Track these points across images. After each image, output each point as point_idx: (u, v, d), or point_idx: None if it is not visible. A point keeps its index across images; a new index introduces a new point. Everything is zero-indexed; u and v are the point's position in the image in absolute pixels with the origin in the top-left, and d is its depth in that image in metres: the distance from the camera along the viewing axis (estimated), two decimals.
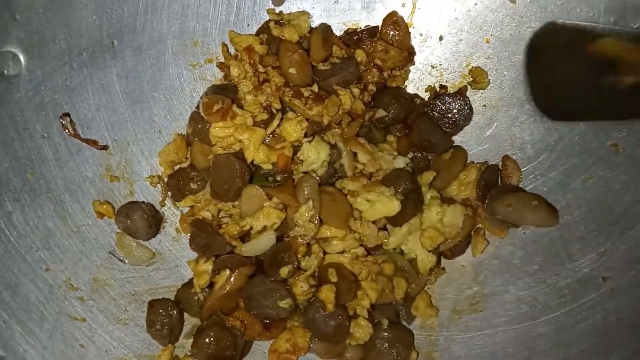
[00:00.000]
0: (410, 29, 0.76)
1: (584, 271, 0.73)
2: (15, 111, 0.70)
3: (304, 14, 0.74)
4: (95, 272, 0.73)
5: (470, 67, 0.77)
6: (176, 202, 0.73)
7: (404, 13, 0.76)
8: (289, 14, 0.75)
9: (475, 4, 0.74)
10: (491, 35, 0.75)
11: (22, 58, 0.69)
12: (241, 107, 0.71)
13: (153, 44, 0.73)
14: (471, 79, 0.77)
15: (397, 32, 0.76)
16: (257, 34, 0.75)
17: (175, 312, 0.69)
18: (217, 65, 0.75)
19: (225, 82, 0.75)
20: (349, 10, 0.75)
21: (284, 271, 0.67)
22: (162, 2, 0.72)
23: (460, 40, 0.76)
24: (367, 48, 0.75)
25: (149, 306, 0.70)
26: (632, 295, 0.71)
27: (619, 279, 0.72)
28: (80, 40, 0.71)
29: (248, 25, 0.75)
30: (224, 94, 0.71)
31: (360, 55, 0.74)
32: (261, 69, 0.73)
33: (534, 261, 0.75)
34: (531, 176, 0.76)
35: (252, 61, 0.72)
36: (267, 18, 0.74)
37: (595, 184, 0.73)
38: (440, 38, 0.76)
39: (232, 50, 0.75)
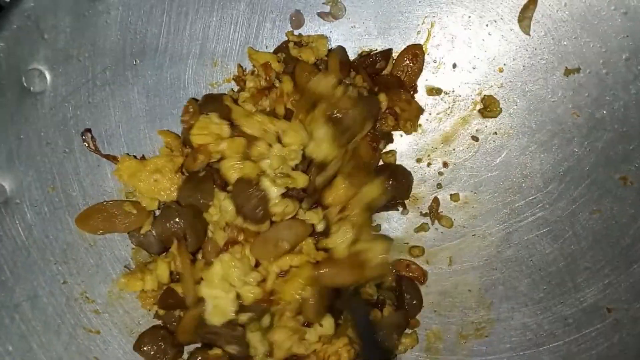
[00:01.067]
0: (425, 56, 0.77)
1: (589, 301, 0.74)
2: (39, 126, 0.71)
3: (323, 37, 0.76)
4: (111, 286, 0.74)
5: (482, 95, 0.78)
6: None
7: (418, 40, 0.77)
8: (308, 36, 0.76)
9: (490, 34, 0.76)
10: (504, 65, 0.77)
11: (47, 75, 0.70)
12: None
13: (174, 63, 0.75)
14: (482, 106, 0.78)
15: (412, 65, 0.78)
16: (275, 52, 0.77)
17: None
18: (233, 79, 0.77)
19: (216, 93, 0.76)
20: (365, 35, 0.77)
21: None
22: (184, 23, 0.74)
23: (474, 68, 0.78)
24: (391, 94, 0.76)
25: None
26: (636, 327, 0.72)
27: (624, 310, 0.72)
28: (103, 59, 0.73)
29: (267, 47, 0.77)
30: (213, 102, 0.73)
31: (382, 98, 0.76)
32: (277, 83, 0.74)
33: (540, 289, 0.76)
34: (539, 205, 0.77)
35: (268, 77, 0.74)
36: (286, 39, 0.76)
37: (602, 216, 0.74)
38: (454, 65, 0.78)
39: (249, 68, 0.77)
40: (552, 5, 0.73)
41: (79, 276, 0.73)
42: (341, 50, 0.77)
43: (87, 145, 0.73)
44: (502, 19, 0.75)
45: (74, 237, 0.73)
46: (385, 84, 0.76)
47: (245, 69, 0.77)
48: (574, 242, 0.75)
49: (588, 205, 0.75)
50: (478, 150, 0.79)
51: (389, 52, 0.78)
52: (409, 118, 0.77)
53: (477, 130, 0.78)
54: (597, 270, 0.74)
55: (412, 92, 0.79)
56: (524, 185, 0.77)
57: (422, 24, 0.77)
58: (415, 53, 0.78)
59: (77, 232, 0.73)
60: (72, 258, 0.73)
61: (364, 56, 0.78)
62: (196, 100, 0.75)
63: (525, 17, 0.75)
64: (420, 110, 0.78)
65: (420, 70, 0.78)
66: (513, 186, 0.78)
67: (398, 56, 0.78)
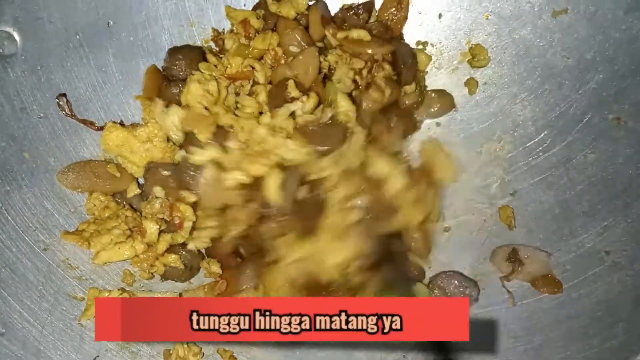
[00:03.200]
0: (409, 6, 0.75)
1: (586, 246, 0.72)
2: (12, 91, 0.69)
3: None
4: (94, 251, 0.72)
5: (470, 45, 0.76)
6: None
7: None
8: None
9: None
10: (490, 12, 0.75)
11: (17, 37, 0.68)
12: None
13: (149, 24, 0.73)
14: (471, 56, 0.76)
15: (397, 12, 0.75)
16: (254, 9, 0.74)
17: None
18: (211, 39, 0.75)
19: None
20: None
21: None
22: None
23: (459, 17, 0.76)
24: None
25: None
26: (635, 268, 0.70)
27: (622, 252, 0.71)
28: (76, 20, 0.70)
29: (244, 5, 0.74)
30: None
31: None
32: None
33: (537, 237, 0.74)
34: (533, 153, 0.75)
35: (247, 34, 0.72)
36: None
37: (597, 159, 0.73)
38: (440, 15, 0.76)
39: (227, 26, 0.75)
40: None
41: (60, 243, 0.71)
42: (322, 4, 0.75)
43: (62, 110, 0.71)
44: None
45: (53, 204, 0.71)
46: (355, 15, 0.74)
47: (224, 29, 0.75)
48: (569, 187, 0.73)
49: (582, 149, 0.73)
50: (468, 102, 0.77)
51: (370, 3, 0.75)
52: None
53: (465, 82, 0.77)
54: (593, 214, 0.72)
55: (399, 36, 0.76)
56: (516, 134, 0.76)
57: None
58: (399, 0, 0.75)
59: (57, 198, 0.72)
60: (52, 225, 0.71)
61: (346, 9, 0.75)
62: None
63: None
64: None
65: (406, 17, 0.75)
66: (505, 136, 0.76)
67: (382, 5, 0.75)
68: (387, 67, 0.73)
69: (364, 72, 0.72)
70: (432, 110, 0.77)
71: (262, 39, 0.72)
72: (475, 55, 0.76)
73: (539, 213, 0.75)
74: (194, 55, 0.72)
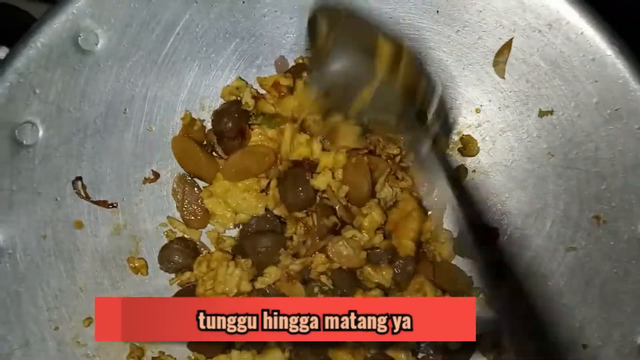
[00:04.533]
0: None
1: (565, 338, 0.76)
2: (31, 177, 0.73)
3: None
4: None
5: (461, 135, 0.81)
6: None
7: None
8: None
9: (466, 76, 0.79)
10: (481, 105, 0.80)
11: (40, 128, 0.73)
12: None
13: (163, 109, 0.78)
14: (461, 145, 0.81)
15: None
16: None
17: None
18: (252, 97, 0.79)
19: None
20: None
21: None
22: (172, 72, 0.77)
23: (451, 108, 0.80)
24: None
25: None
26: None
27: (598, 347, 0.74)
28: (94, 109, 0.75)
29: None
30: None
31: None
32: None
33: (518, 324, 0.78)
34: (517, 242, 0.79)
35: (280, 93, 0.78)
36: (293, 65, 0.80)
37: (577, 254, 0.77)
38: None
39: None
40: (525, 51, 0.76)
41: (71, 321, 0.75)
42: None
43: (77, 192, 0.75)
44: (477, 62, 0.78)
45: (65, 283, 0.75)
46: None
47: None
48: (549, 278, 0.77)
49: (563, 242, 0.77)
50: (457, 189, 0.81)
51: None
52: None
53: (456, 168, 0.81)
54: (572, 307, 0.76)
55: None
56: (503, 222, 0.80)
57: None
58: None
59: (69, 278, 0.76)
60: (63, 304, 0.75)
61: None
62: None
63: (499, 61, 0.77)
64: None
65: None
66: (492, 223, 0.80)
67: None
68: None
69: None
70: None
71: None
72: (466, 145, 0.81)
73: (520, 301, 0.78)
74: (238, 108, 0.78)
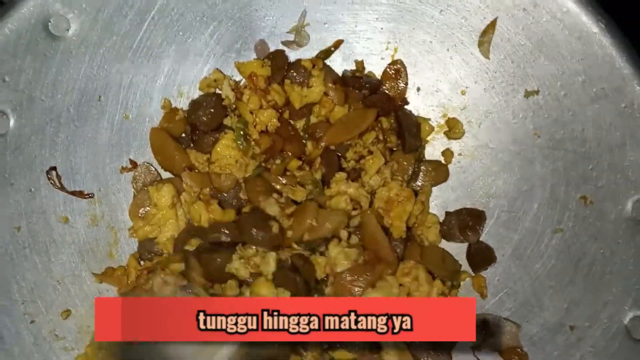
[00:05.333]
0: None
1: (552, 319, 0.75)
2: (3, 168, 0.72)
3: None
4: (80, 322, 0.75)
5: (446, 118, 0.79)
6: None
7: (382, 65, 0.78)
8: None
9: (451, 58, 0.77)
10: (466, 87, 0.78)
11: (10, 117, 0.71)
12: None
13: (139, 96, 0.76)
14: (447, 128, 0.80)
15: (397, 85, 0.79)
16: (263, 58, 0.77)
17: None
18: (231, 89, 0.77)
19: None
20: (329, 62, 0.78)
21: None
22: (147, 57, 0.75)
23: (437, 91, 0.79)
24: None
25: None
26: (597, 344, 0.73)
27: (586, 328, 0.74)
28: (67, 97, 0.73)
29: (232, 76, 0.77)
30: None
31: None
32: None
33: (506, 307, 0.77)
34: (504, 224, 0.78)
35: (255, 86, 0.75)
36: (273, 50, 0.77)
37: (564, 235, 0.76)
38: (418, 89, 0.79)
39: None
40: (510, 30, 0.74)
41: (48, 314, 0.73)
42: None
43: (52, 183, 0.73)
44: (462, 43, 0.76)
45: (41, 276, 0.74)
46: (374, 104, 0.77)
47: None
48: (537, 260, 0.77)
49: (551, 224, 0.76)
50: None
51: (378, 84, 0.79)
52: None
53: (442, 152, 0.80)
54: (560, 289, 0.75)
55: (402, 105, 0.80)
56: (490, 205, 0.79)
57: (386, 49, 0.78)
58: (397, 69, 0.79)
59: (45, 270, 0.74)
60: (39, 296, 0.73)
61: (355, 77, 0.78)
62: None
63: (484, 41, 0.76)
64: None
65: (406, 84, 0.79)
66: (479, 206, 0.79)
67: (382, 76, 0.79)
68: (392, 137, 0.77)
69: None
70: (427, 180, 0.80)
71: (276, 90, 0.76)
72: (451, 128, 0.80)
73: (509, 284, 0.78)
74: (217, 102, 0.75)
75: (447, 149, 0.80)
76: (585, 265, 0.74)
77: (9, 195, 0.72)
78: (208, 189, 0.75)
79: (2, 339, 0.71)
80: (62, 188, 0.74)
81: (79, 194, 0.74)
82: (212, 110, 0.75)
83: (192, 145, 0.77)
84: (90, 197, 0.75)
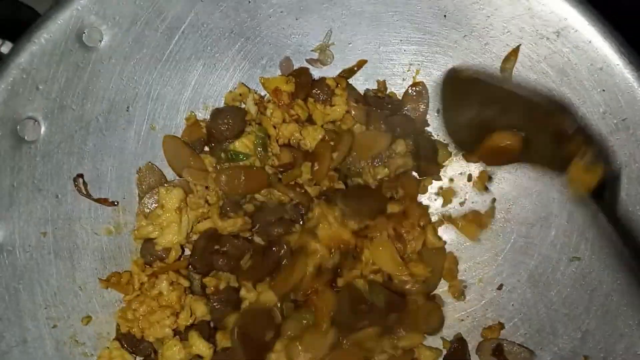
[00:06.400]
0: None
1: (567, 348, 0.75)
2: (32, 174, 0.73)
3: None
4: (99, 328, 0.76)
5: None
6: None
7: (404, 86, 0.80)
8: None
9: None
10: None
11: (42, 124, 0.73)
12: None
13: (166, 108, 0.77)
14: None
15: (418, 107, 0.80)
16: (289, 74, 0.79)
17: None
18: (254, 103, 0.78)
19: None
20: (352, 81, 0.79)
21: None
22: (175, 71, 0.76)
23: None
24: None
25: None
26: None
27: (600, 359, 0.74)
28: (97, 106, 0.75)
29: (256, 91, 0.79)
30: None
31: None
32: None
33: (520, 333, 0.78)
34: (521, 250, 0.78)
35: (280, 101, 0.76)
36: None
37: (581, 264, 0.76)
38: (438, 111, 0.80)
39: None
40: (533, 58, 0.75)
41: (69, 320, 0.74)
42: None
43: (78, 190, 0.75)
44: (483, 69, 0.77)
45: (64, 281, 0.75)
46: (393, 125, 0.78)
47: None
48: (553, 287, 0.77)
49: (568, 251, 0.76)
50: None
51: (400, 105, 0.80)
52: None
53: (460, 174, 0.80)
54: (575, 317, 0.75)
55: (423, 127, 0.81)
56: (507, 229, 0.79)
57: (408, 71, 0.79)
58: (419, 91, 0.80)
59: (68, 276, 0.75)
60: (61, 302, 0.74)
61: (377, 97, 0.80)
62: None
63: (506, 68, 0.77)
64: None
65: (427, 105, 0.80)
66: (497, 229, 0.79)
67: (402, 98, 0.80)
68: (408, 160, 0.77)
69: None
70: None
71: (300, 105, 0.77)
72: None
73: (524, 309, 0.78)
74: (238, 114, 0.77)
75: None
76: (602, 295, 0.74)
77: (37, 201, 0.73)
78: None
79: (25, 342, 0.72)
80: (88, 195, 0.75)
81: (104, 201, 0.76)
82: (232, 120, 0.76)
83: (206, 150, 0.79)
84: (114, 205, 0.77)
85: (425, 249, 0.77)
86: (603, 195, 0.65)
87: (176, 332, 0.75)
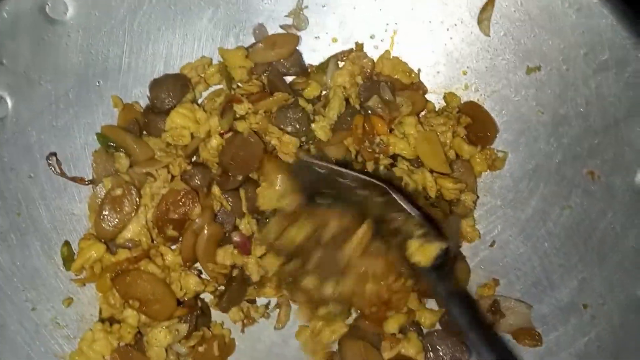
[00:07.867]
0: None
1: (565, 299, 0.74)
2: (2, 152, 0.71)
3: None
4: (82, 310, 0.73)
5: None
6: None
7: (382, 47, 0.78)
8: None
9: (451, 38, 0.77)
10: (467, 67, 0.77)
11: (8, 100, 0.70)
12: None
13: (138, 82, 0.75)
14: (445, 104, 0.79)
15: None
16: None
17: None
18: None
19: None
20: (331, 44, 0.77)
21: None
22: (146, 42, 0.74)
23: (438, 72, 0.78)
24: None
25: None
26: (612, 322, 0.71)
27: (599, 306, 0.72)
28: (66, 81, 0.73)
29: None
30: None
31: None
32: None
33: (516, 289, 0.76)
34: (511, 204, 0.77)
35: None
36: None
37: (572, 212, 0.75)
38: (419, 70, 0.79)
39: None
40: (509, 6, 0.74)
41: (49, 302, 0.72)
42: None
43: (52, 168, 0.73)
44: (462, 22, 0.76)
45: (42, 262, 0.72)
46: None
47: None
48: (546, 239, 0.75)
49: (558, 201, 0.75)
50: None
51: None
52: None
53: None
54: (570, 267, 0.74)
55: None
56: (495, 185, 0.78)
57: (385, 31, 0.78)
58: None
59: (46, 257, 0.73)
60: (41, 284, 0.72)
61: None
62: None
63: (483, 18, 0.75)
64: None
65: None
66: (484, 187, 0.78)
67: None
68: None
69: None
70: None
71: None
72: (449, 103, 0.79)
73: (518, 264, 0.76)
74: (178, 83, 0.74)
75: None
76: (596, 242, 0.73)
77: (10, 181, 0.71)
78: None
79: (4, 326, 0.70)
80: (63, 174, 0.73)
81: (80, 180, 0.73)
82: (172, 87, 0.73)
83: (144, 132, 0.75)
84: (91, 183, 0.74)
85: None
86: (443, 267, 0.66)
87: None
